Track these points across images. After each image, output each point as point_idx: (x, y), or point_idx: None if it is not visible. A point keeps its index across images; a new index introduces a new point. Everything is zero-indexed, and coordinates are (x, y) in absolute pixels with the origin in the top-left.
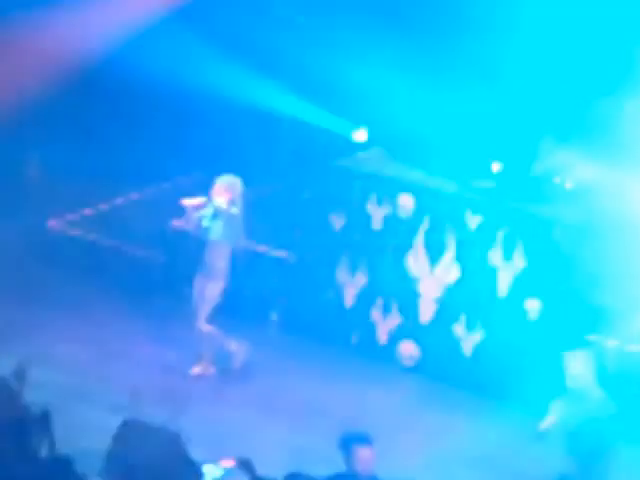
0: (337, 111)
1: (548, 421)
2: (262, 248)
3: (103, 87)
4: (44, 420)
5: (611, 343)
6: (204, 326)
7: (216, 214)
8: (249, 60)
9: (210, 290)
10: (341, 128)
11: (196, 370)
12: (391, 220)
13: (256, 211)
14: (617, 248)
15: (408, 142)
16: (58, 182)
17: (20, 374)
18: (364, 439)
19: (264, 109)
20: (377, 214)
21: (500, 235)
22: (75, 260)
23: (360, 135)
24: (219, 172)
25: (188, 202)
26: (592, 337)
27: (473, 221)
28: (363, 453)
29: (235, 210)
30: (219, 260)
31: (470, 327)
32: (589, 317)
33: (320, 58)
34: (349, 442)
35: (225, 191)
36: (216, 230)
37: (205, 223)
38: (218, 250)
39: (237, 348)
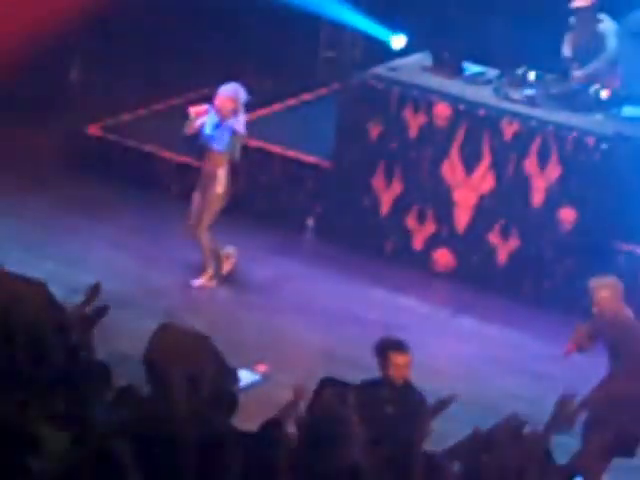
0: (376, 16)
1: None
2: (300, 154)
3: None
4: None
5: None
6: (204, 235)
7: (218, 123)
8: None
9: (209, 198)
10: (380, 33)
11: (198, 282)
12: (427, 129)
13: (294, 118)
14: None
15: (447, 50)
16: (98, 87)
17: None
18: (401, 345)
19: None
20: (414, 122)
21: (535, 144)
22: (111, 166)
23: (399, 41)
24: (261, 79)
25: (192, 109)
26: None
27: (509, 130)
28: (399, 359)
29: (236, 120)
30: (219, 169)
31: (505, 235)
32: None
33: None
34: (385, 348)
35: (228, 100)
36: (217, 139)
37: (207, 131)
38: (218, 158)
39: (230, 255)
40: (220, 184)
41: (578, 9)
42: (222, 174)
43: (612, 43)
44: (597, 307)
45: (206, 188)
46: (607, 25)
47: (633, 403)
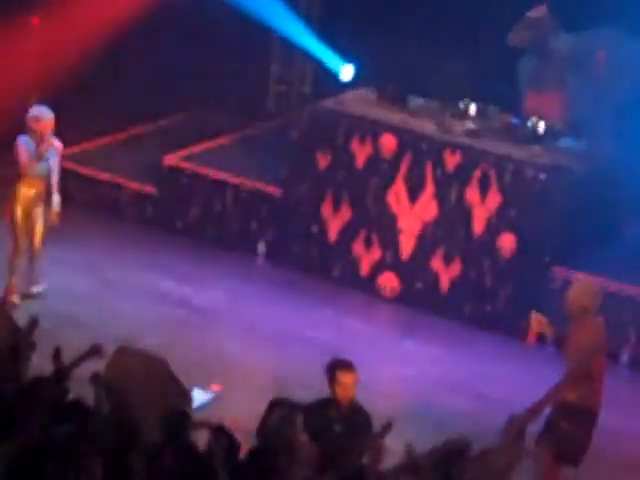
0: (327, 45)
1: None
2: (252, 183)
3: None
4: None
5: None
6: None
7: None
8: None
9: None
10: (331, 62)
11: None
12: (374, 159)
13: (247, 148)
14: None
15: (393, 82)
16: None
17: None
18: (347, 365)
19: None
20: (361, 153)
21: (476, 174)
22: (73, 192)
23: (347, 72)
24: (215, 110)
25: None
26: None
27: (451, 161)
28: (345, 379)
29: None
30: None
31: (447, 261)
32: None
33: None
34: (333, 368)
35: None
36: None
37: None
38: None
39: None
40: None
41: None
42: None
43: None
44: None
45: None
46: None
47: (582, 409)
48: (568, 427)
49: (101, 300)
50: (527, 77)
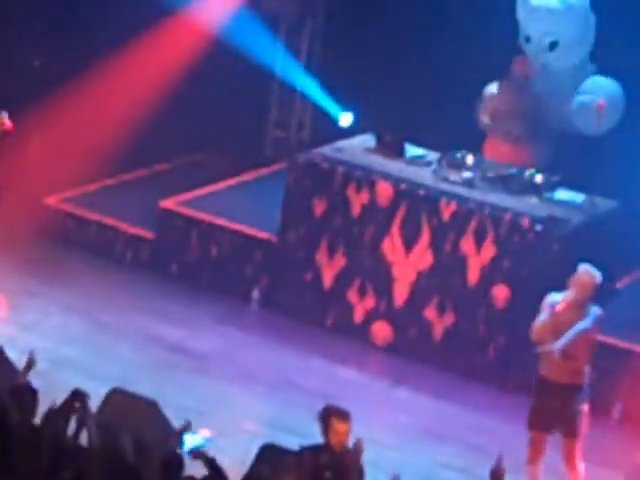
0: (327, 92)
1: None
2: (248, 229)
3: None
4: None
5: None
6: None
7: None
8: None
9: None
10: (330, 109)
11: None
12: (370, 207)
13: (243, 194)
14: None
15: (389, 132)
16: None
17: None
18: (343, 413)
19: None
20: (356, 201)
21: (472, 225)
22: (69, 234)
23: (346, 119)
24: (212, 155)
25: None
26: None
27: (447, 210)
28: (340, 427)
29: None
30: None
31: (441, 311)
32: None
33: None
34: (328, 415)
35: None
36: None
37: None
38: None
39: None
40: None
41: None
42: None
43: None
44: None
45: None
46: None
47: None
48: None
49: (95, 343)
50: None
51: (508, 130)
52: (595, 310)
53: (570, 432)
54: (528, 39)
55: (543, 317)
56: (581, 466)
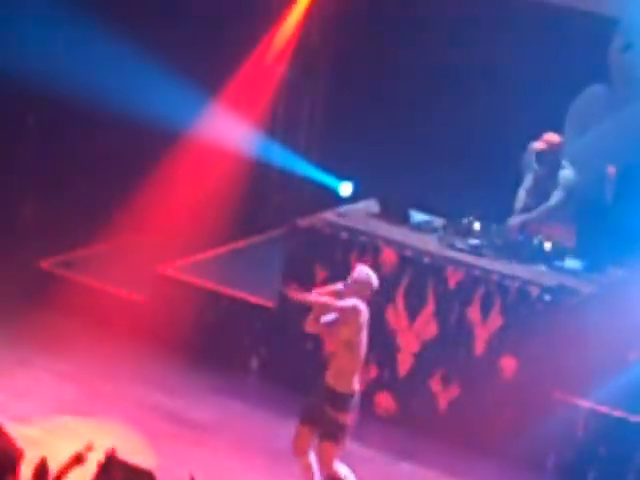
0: (325, 163)
1: None
2: (246, 295)
3: None
4: None
5: None
6: None
7: None
8: None
9: None
10: (328, 181)
11: None
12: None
13: (242, 260)
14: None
15: (393, 198)
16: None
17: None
18: None
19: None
20: None
21: (479, 293)
22: (63, 299)
23: (346, 189)
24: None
25: None
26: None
27: (453, 278)
28: None
29: None
30: None
31: (446, 382)
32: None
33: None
34: None
35: None
36: None
37: None
38: None
39: None
40: None
41: (541, 153)
42: None
43: (558, 195)
44: None
45: None
46: (566, 173)
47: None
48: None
49: (90, 411)
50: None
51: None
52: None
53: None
54: (629, 47)
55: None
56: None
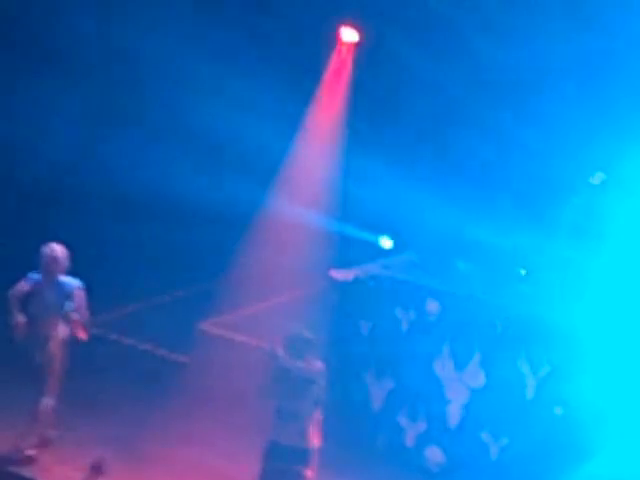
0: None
1: None
2: None
3: None
4: None
5: None
6: None
7: None
8: None
9: None
10: (369, 236)
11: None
12: (418, 325)
13: (289, 313)
14: None
15: (434, 249)
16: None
17: None
18: None
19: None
20: (404, 319)
21: (527, 340)
22: (100, 360)
23: (386, 242)
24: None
25: None
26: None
27: (500, 326)
28: None
29: None
30: None
31: (497, 433)
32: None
33: None
34: None
35: None
36: None
37: None
38: None
39: None
40: None
41: None
42: None
43: None
44: None
45: None
46: None
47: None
48: None
49: (139, 473)
50: None
51: None
52: None
53: None
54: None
55: None
56: None
